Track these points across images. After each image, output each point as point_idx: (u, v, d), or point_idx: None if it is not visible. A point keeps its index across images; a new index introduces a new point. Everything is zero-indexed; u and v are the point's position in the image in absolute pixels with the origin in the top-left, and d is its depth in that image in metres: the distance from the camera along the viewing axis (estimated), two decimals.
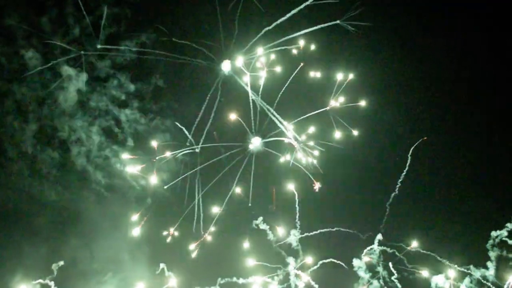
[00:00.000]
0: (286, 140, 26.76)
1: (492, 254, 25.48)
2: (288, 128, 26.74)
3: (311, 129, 26.86)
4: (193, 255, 26.63)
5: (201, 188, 26.84)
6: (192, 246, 26.63)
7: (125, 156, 26.54)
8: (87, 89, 26.64)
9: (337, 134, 26.72)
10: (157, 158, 26.70)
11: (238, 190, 26.70)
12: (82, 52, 26.28)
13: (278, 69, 26.71)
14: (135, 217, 26.55)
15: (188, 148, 26.91)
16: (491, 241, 25.69)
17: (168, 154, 26.73)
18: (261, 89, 26.75)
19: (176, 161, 27.02)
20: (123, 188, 27.00)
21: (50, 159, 26.62)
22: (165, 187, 26.90)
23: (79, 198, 26.81)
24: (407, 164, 26.27)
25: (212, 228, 26.70)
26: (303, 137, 26.84)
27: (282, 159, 26.94)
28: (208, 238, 26.66)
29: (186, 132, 26.84)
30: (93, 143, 26.82)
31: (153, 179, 26.72)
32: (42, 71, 26.16)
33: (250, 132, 26.84)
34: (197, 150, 26.95)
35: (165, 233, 26.65)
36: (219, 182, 26.82)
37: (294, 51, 26.63)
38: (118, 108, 26.92)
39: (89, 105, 26.83)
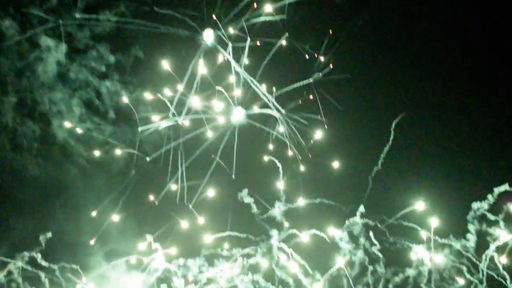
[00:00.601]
0: (269, 112, 26.53)
1: (472, 228, 25.76)
2: (271, 100, 26.44)
3: (295, 102, 26.60)
4: (178, 225, 26.90)
5: (184, 161, 26.80)
6: (176, 218, 26.82)
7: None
8: (66, 60, 26.15)
9: (320, 107, 26.52)
10: (139, 130, 26.50)
11: (221, 162, 26.64)
12: (61, 21, 25.59)
13: (261, 39, 26.20)
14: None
15: (170, 119, 26.66)
16: (472, 213, 25.90)
17: (150, 125, 26.51)
18: (244, 59, 26.26)
19: (159, 134, 26.85)
20: (106, 161, 26.92)
21: (31, 132, 26.37)
22: (148, 159, 26.82)
23: (63, 172, 26.69)
24: (390, 139, 26.22)
25: (196, 200, 26.83)
26: (287, 110, 26.60)
27: (265, 132, 26.84)
28: (192, 209, 26.79)
29: (169, 104, 26.53)
30: (74, 116, 26.52)
31: (136, 151, 26.65)
32: (20, 42, 25.58)
33: (232, 104, 26.53)
34: (179, 123, 26.70)
35: (148, 203, 26.77)
36: (202, 154, 26.79)
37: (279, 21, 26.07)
38: (99, 80, 26.46)
39: (69, 77, 26.36)
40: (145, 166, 26.94)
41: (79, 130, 26.24)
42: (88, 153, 26.68)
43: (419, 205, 25.93)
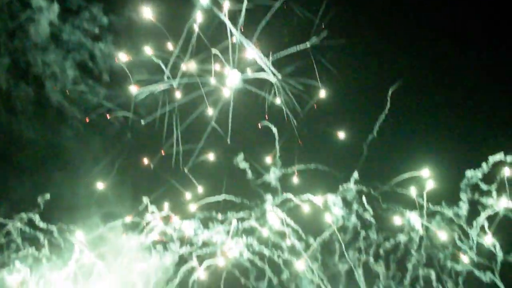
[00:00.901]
0: (265, 77, 26.18)
1: (465, 196, 25.83)
2: (267, 64, 26.03)
3: (292, 66, 26.18)
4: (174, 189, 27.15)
5: (179, 124, 26.72)
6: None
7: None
8: (59, 21, 25.62)
9: (317, 73, 26.09)
10: (134, 93, 26.29)
11: (216, 127, 26.56)
12: None
13: (258, 1, 25.52)
14: None
15: (165, 83, 26.40)
16: (465, 181, 25.91)
17: (145, 89, 26.28)
18: (240, 22, 25.70)
19: (154, 97, 26.65)
20: (101, 124, 26.89)
21: (25, 94, 26.18)
22: (143, 122, 26.74)
23: (58, 135, 26.71)
24: (387, 107, 25.96)
25: (192, 165, 26.95)
26: (283, 75, 26.22)
27: (261, 97, 26.60)
28: (187, 173, 26.95)
29: (163, 66, 26.21)
30: (68, 78, 26.26)
31: (131, 114, 26.58)
32: (11, 2, 24.99)
33: (228, 67, 26.15)
34: (174, 86, 26.45)
35: (144, 165, 26.96)
36: (198, 119, 26.68)
37: None
38: (92, 42, 26.01)
39: (62, 38, 25.91)
40: (140, 130, 26.91)
41: (69, 92, 26.04)
42: (82, 116, 26.62)
43: (425, 172, 25.88)
